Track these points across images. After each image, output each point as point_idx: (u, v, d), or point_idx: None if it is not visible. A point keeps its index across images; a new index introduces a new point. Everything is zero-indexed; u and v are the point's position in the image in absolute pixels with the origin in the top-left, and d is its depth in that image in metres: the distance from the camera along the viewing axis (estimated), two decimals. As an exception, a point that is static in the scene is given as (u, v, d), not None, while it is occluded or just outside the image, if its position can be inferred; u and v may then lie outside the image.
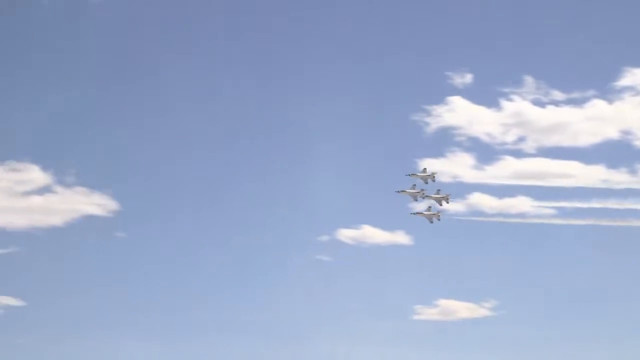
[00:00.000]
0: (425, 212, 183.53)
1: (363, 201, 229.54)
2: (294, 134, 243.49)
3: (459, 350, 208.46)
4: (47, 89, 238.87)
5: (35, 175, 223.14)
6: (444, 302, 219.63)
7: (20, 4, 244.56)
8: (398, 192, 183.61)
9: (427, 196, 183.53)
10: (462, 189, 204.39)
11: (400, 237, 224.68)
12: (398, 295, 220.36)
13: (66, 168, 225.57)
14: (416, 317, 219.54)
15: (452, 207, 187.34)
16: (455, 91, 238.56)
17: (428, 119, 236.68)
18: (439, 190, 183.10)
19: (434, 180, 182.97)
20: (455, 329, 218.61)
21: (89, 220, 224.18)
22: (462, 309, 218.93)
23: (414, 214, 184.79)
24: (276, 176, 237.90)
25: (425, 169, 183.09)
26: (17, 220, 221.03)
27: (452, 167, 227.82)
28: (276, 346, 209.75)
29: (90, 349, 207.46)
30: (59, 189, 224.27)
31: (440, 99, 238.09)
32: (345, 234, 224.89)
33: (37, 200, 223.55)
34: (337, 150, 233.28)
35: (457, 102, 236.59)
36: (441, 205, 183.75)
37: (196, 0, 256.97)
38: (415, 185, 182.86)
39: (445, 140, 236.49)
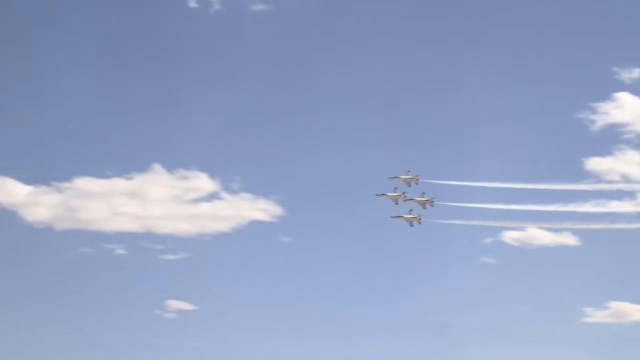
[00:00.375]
0: (406, 216, 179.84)
1: (527, 202, 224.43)
2: (452, 134, 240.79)
3: (633, 354, 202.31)
4: (213, 98, 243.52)
5: (203, 182, 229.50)
6: (615, 305, 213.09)
7: (186, 15, 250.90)
8: (378, 195, 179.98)
9: (410, 199, 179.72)
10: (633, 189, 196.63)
11: (567, 238, 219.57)
12: (566, 297, 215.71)
13: (232, 175, 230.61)
14: (586, 319, 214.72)
15: (624, 207, 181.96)
16: (623, 87, 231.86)
17: (594, 117, 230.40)
18: (423, 193, 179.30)
19: (417, 183, 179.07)
20: (628, 332, 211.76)
21: (254, 226, 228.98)
22: (636, 312, 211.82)
23: (394, 217, 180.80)
24: (436, 175, 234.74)
25: (408, 171, 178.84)
26: (186, 227, 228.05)
27: (621, 165, 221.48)
28: (440, 349, 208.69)
29: (260, 350, 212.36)
30: (225, 195, 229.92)
31: (606, 96, 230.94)
32: (510, 236, 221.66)
33: (205, 207, 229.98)
34: (500, 150, 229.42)
35: (625, 98, 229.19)
36: (425, 208, 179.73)
37: (360, 4, 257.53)
38: (396, 188, 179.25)
39: (612, 138, 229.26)
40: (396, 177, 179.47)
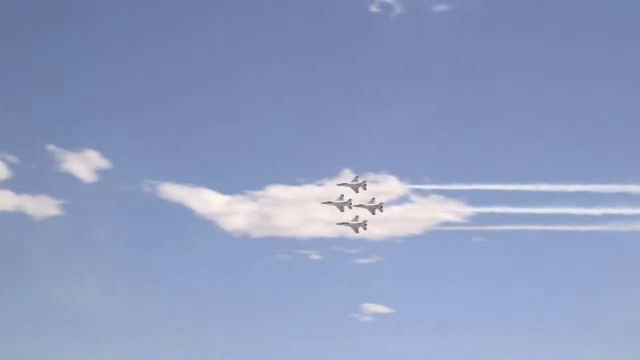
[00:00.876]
0: (351, 222, 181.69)
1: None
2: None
3: None
4: (399, 101, 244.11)
5: (394, 185, 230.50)
6: None
7: (368, 20, 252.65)
8: (324, 203, 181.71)
9: (358, 205, 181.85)
10: None
11: None
12: None
13: (421, 177, 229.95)
14: None
15: None
16: None
17: None
18: (373, 198, 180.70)
19: (365, 189, 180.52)
20: None
21: (445, 227, 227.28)
22: None
23: (339, 224, 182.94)
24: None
25: (357, 177, 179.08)
26: (378, 230, 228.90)
27: None
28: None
29: (463, 352, 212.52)
30: (415, 197, 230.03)
31: None
32: None
33: (395, 209, 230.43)
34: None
35: None
36: (374, 214, 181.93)
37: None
38: (343, 195, 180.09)
39: None
40: (344, 184, 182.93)
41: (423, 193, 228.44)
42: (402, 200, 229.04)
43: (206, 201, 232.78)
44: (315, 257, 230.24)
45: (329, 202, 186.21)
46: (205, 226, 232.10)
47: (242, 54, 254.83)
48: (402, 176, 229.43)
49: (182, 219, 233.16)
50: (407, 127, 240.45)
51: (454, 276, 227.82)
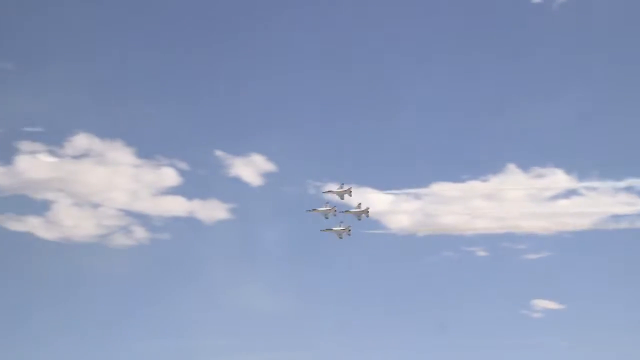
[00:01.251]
0: (335, 228, 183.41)
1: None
2: None
3: None
4: (562, 92, 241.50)
5: (560, 179, 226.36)
6: None
7: (531, 11, 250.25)
8: (308, 211, 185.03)
9: (345, 211, 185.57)
10: None
11: None
12: None
13: (589, 169, 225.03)
14: None
15: None
16: None
17: None
18: (359, 203, 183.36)
19: (350, 195, 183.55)
20: None
21: (616, 221, 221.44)
22: None
23: (323, 230, 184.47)
24: None
25: (342, 184, 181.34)
26: (546, 225, 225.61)
27: None
28: None
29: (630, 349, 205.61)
30: (584, 190, 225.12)
31: None
32: None
33: (563, 203, 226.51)
34: None
35: None
36: (360, 219, 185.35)
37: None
38: (328, 203, 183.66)
39: None
40: (330, 191, 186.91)
41: (592, 186, 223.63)
42: (570, 193, 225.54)
43: (370, 200, 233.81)
44: (482, 253, 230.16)
45: (313, 210, 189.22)
46: (370, 225, 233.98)
47: (403, 52, 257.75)
48: (570, 169, 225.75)
49: (346, 219, 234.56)
50: (572, 119, 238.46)
51: (626, 272, 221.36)
